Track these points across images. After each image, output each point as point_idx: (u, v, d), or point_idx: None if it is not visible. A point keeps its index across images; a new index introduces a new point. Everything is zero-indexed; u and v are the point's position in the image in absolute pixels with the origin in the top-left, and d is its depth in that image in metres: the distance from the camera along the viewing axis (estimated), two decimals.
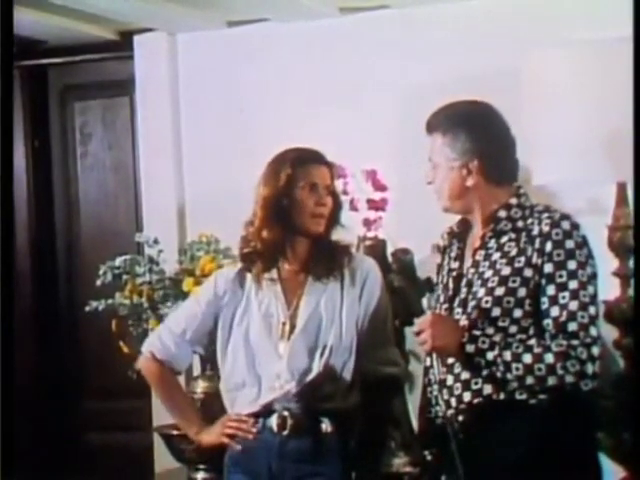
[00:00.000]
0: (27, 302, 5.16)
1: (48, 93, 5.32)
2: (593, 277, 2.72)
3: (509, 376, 2.66)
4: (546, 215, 2.74)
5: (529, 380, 2.65)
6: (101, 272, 4.23)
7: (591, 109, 3.55)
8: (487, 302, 2.73)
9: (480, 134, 2.80)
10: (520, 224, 2.77)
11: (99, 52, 5.06)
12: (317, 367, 3.09)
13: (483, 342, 2.69)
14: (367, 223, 4.09)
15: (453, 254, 2.94)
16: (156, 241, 4.31)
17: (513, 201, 2.81)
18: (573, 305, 2.66)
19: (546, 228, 2.71)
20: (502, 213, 2.79)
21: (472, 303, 2.77)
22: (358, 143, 4.29)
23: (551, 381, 2.64)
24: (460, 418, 2.78)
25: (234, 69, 4.75)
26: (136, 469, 4.74)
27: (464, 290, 2.82)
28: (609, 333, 3.69)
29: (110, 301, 4.21)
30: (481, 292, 2.76)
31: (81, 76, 5.23)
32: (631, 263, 3.62)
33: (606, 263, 3.62)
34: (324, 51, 4.58)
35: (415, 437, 3.34)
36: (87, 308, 4.28)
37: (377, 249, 3.98)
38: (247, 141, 4.56)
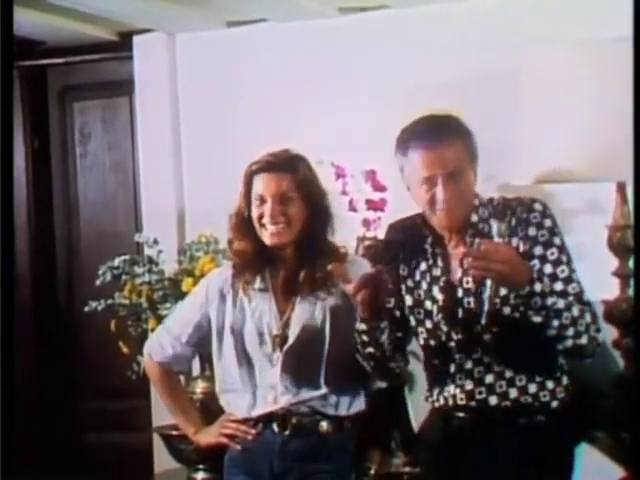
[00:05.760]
0: (26, 302, 5.17)
1: (47, 93, 5.34)
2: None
3: (555, 323, 2.64)
4: (515, 203, 2.78)
5: (570, 331, 2.66)
6: (100, 272, 4.23)
7: (591, 109, 3.54)
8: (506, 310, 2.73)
9: (473, 139, 2.83)
10: (493, 221, 2.72)
11: (98, 52, 5.07)
12: (314, 378, 3.06)
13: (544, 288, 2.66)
14: (366, 223, 4.09)
15: (428, 257, 2.87)
16: (155, 241, 4.31)
17: (475, 202, 2.82)
18: (575, 276, 2.74)
19: (523, 215, 2.75)
20: (474, 218, 2.80)
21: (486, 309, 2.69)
22: (357, 143, 4.29)
23: (592, 331, 2.69)
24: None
25: (233, 69, 4.75)
26: (135, 469, 4.74)
27: (466, 301, 2.78)
28: (609, 333, 3.68)
29: (109, 301, 4.21)
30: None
31: (80, 76, 5.24)
32: (631, 263, 3.61)
33: (606, 263, 3.63)
34: (323, 51, 4.58)
35: (415, 437, 3.33)
36: (86, 308, 4.28)
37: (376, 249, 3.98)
38: (246, 141, 4.56)
